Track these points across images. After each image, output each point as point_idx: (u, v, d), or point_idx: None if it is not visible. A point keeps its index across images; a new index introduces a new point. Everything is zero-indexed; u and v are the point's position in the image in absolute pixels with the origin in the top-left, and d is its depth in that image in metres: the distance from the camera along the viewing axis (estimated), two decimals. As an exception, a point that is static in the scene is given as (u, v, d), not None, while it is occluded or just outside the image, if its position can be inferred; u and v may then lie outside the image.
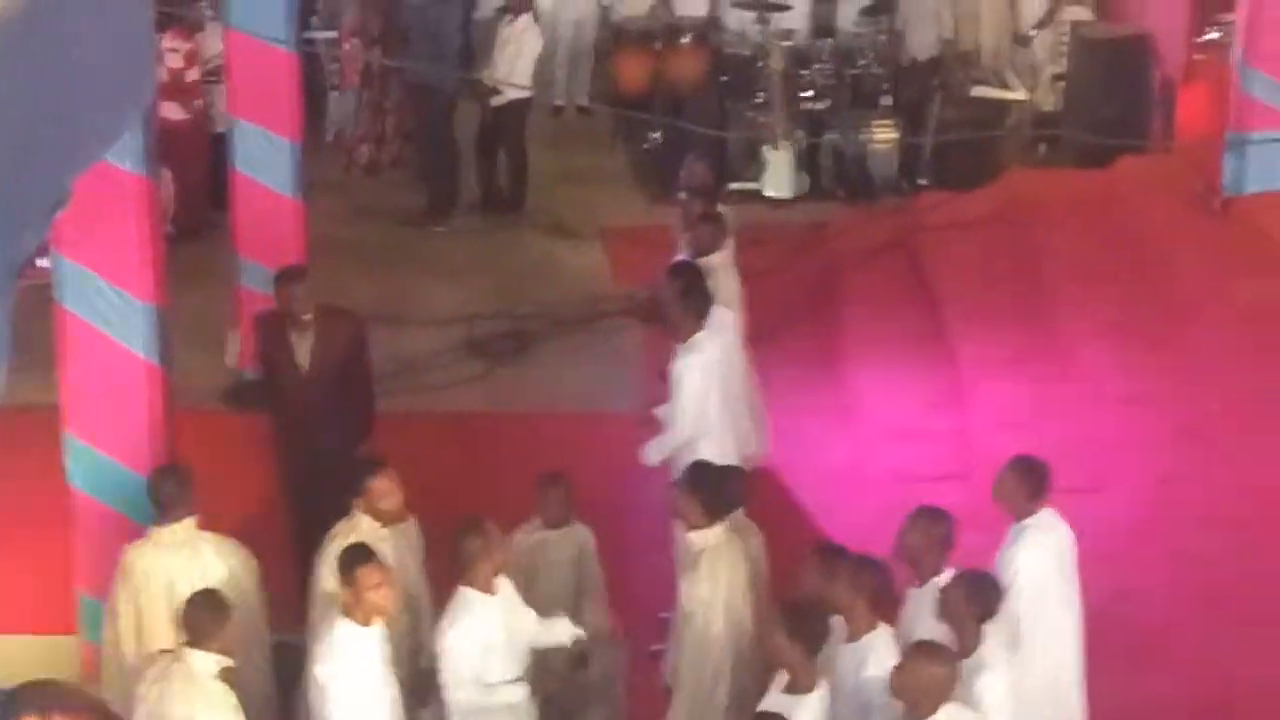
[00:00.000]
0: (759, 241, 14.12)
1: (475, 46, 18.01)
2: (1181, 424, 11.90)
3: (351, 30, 17.31)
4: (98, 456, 9.38)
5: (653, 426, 10.50)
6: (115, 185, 8.90)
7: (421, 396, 12.99)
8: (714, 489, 8.88)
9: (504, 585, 8.53)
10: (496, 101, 16.45)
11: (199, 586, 8.42)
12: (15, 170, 6.69)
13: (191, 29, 15.76)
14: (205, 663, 7.98)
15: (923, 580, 8.40)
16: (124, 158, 8.86)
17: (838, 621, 8.06)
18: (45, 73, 7.11)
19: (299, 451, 10.40)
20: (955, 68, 17.87)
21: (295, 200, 12.69)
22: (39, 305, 9.12)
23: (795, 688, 7.76)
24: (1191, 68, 17.31)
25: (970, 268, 14.62)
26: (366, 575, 8.14)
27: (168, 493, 8.87)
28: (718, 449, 9.96)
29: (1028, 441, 11.06)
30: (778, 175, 16.88)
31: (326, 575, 8.72)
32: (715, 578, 8.65)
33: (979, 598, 8.00)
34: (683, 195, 12.68)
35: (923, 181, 17.08)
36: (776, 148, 16.80)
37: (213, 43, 15.19)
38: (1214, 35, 17.40)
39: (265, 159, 12.54)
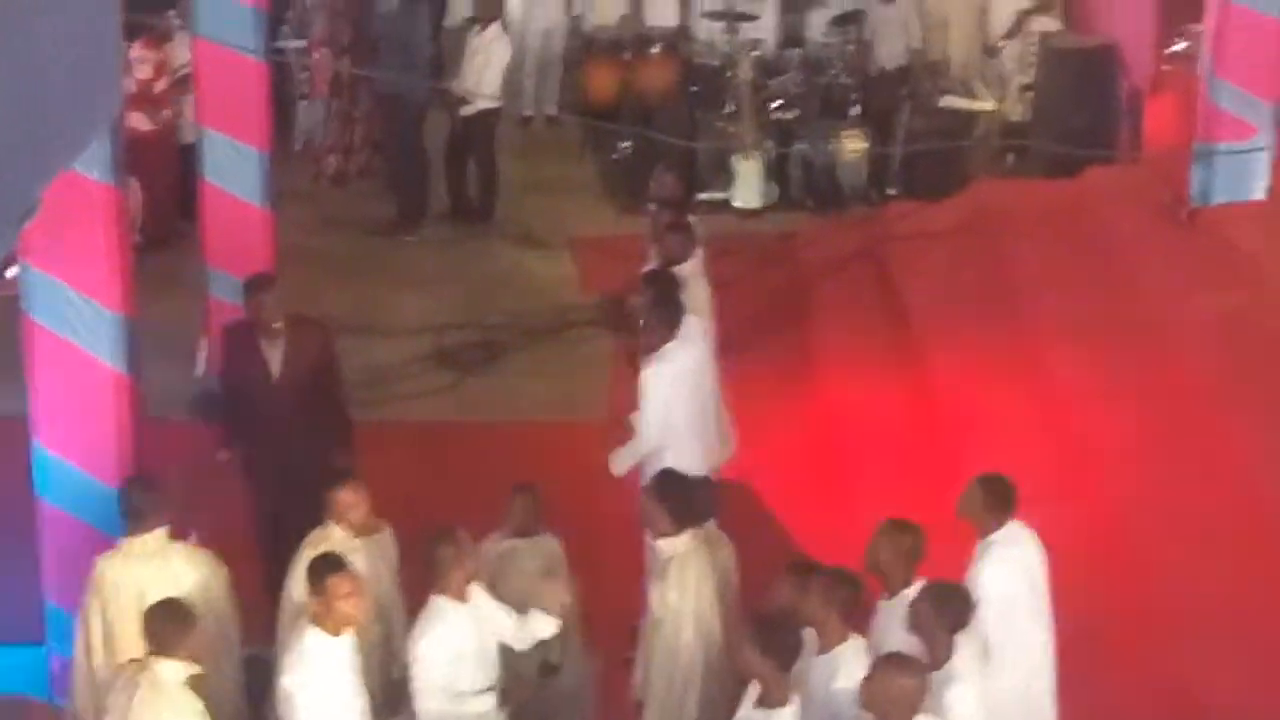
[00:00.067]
0: (728, 251, 14.15)
1: (444, 56, 18.02)
2: (1149, 434, 11.92)
3: (320, 40, 17.30)
4: (66, 467, 9.35)
5: (621, 434, 10.49)
6: (83, 195, 8.88)
7: (391, 406, 12.98)
8: (681, 497, 8.88)
9: (477, 593, 8.52)
10: (466, 111, 16.45)
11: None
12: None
13: (160, 38, 15.73)
14: (172, 671, 7.95)
15: (892, 592, 8.39)
16: (92, 167, 8.84)
17: (809, 634, 8.06)
18: (12, 82, 7.09)
19: (269, 461, 10.38)
20: (924, 78, 17.92)
21: (264, 210, 12.67)
22: (8, 315, 9.10)
23: (767, 702, 7.75)
24: (1159, 78, 17.37)
25: (939, 277, 14.66)
26: (337, 584, 8.13)
27: (138, 503, 8.85)
28: (685, 459, 9.95)
29: (996, 450, 11.13)
30: (747, 185, 16.91)
31: (297, 585, 8.71)
32: (684, 585, 8.66)
33: (948, 610, 7.99)
34: (652, 206, 12.69)
35: (891, 191, 17.13)
36: (746, 158, 16.83)
37: (181, 52, 15.17)
38: (1181, 46, 17.47)
39: (234, 168, 12.52)
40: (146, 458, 9.54)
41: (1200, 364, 12.51)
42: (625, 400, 10.84)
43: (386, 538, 9.17)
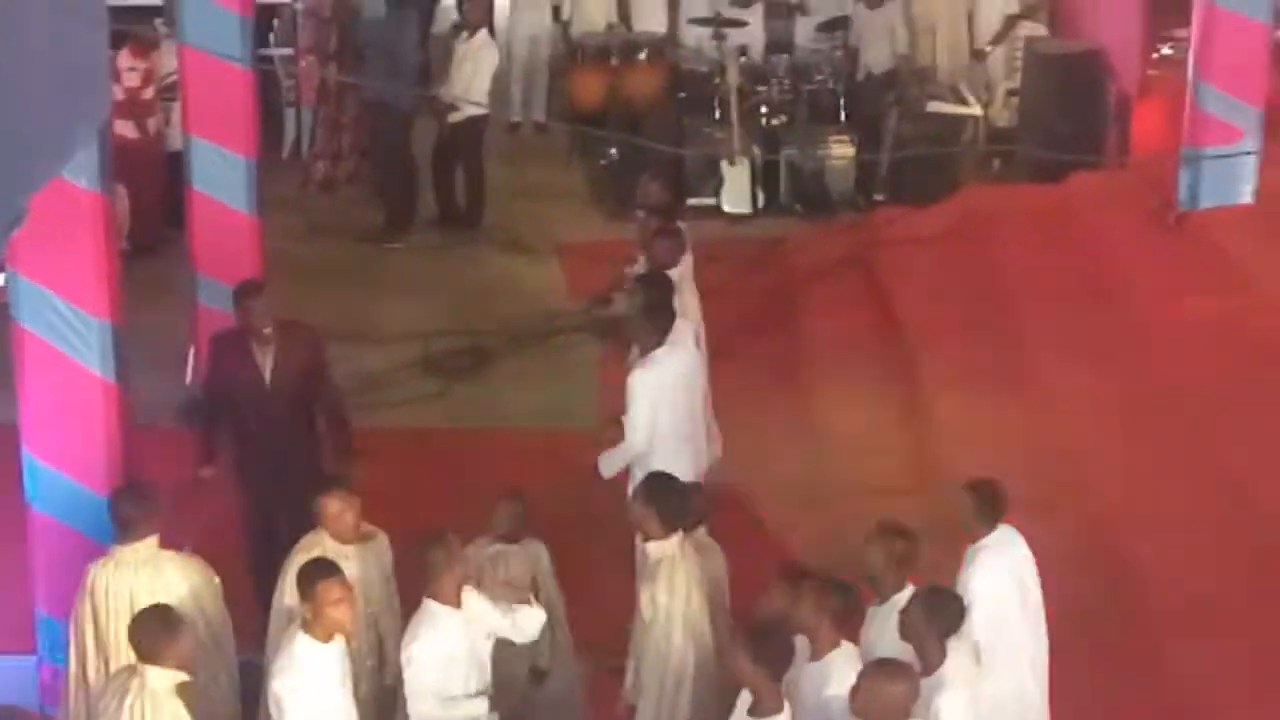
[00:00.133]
0: (717, 257, 14.15)
1: (432, 63, 18.02)
2: (1138, 437, 11.93)
3: (307, 47, 17.31)
4: (55, 475, 9.33)
5: (613, 435, 10.49)
6: (71, 203, 8.87)
7: (379, 413, 12.97)
8: (671, 500, 8.88)
9: (469, 597, 8.51)
10: (453, 118, 16.44)
11: (160, 605, 8.40)
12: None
13: (147, 46, 15.73)
14: (161, 679, 7.93)
15: (883, 598, 8.38)
16: (79, 175, 8.83)
17: (801, 641, 8.05)
18: (-1, 90, 7.10)
19: (261, 466, 10.39)
20: (911, 83, 17.93)
21: (252, 217, 12.65)
22: (-1, 324, 9.11)
23: (760, 710, 7.74)
24: (1146, 83, 17.41)
25: (927, 282, 14.67)
26: (327, 590, 8.12)
27: (129, 511, 8.83)
28: (673, 463, 9.94)
29: (986, 455, 11.14)
30: (735, 191, 16.93)
31: (288, 591, 8.69)
32: (673, 587, 8.65)
33: (939, 615, 7.97)
34: (641, 213, 12.69)
35: (879, 197, 17.13)
36: (734, 164, 16.84)
37: (168, 60, 15.16)
38: (1168, 51, 17.50)
39: (221, 176, 12.50)
40: (136, 465, 9.53)
41: (1188, 367, 12.52)
42: (614, 406, 10.84)
43: (379, 544, 9.16)
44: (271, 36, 17.75)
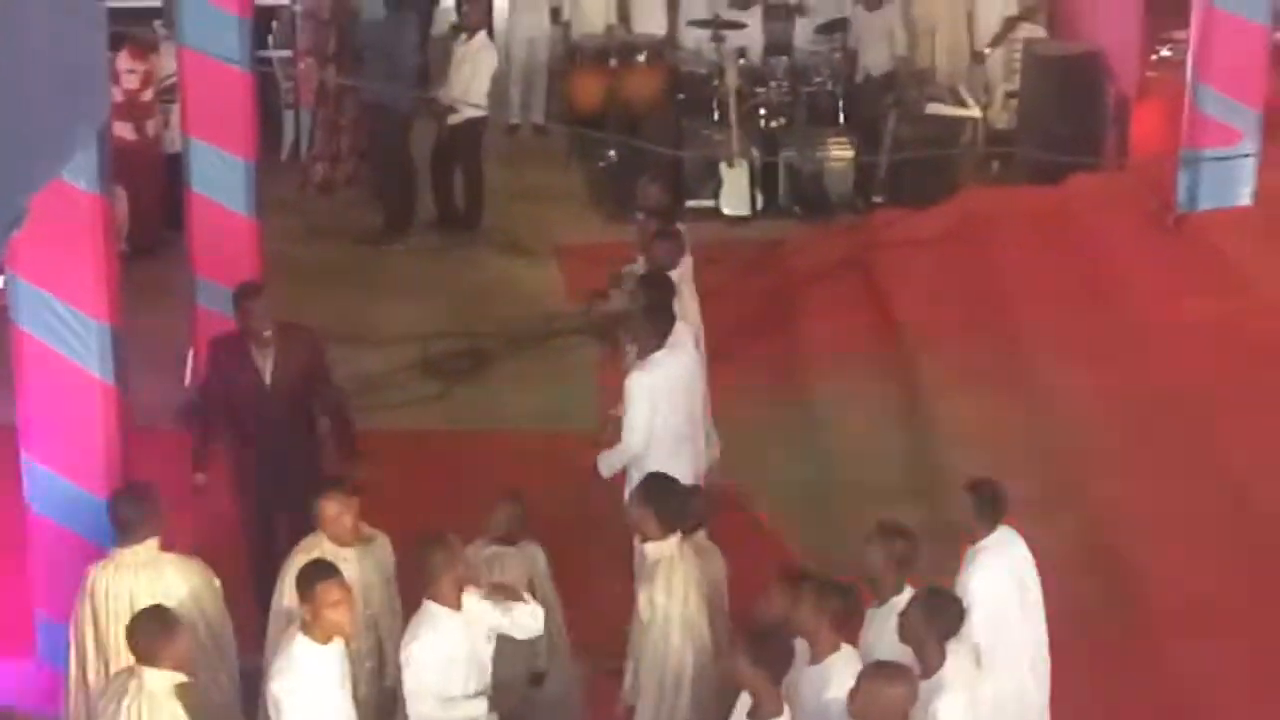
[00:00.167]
0: (715, 259, 14.13)
1: (431, 65, 18.02)
2: (1137, 438, 11.94)
3: (306, 49, 17.30)
4: (54, 478, 9.34)
5: (613, 434, 10.49)
6: (70, 204, 8.88)
7: (378, 415, 12.96)
8: (669, 500, 8.87)
9: (470, 599, 8.50)
10: (452, 120, 16.43)
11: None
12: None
13: (146, 48, 15.73)
14: (159, 680, 7.93)
15: (882, 600, 8.37)
16: (78, 177, 8.84)
17: (801, 644, 8.05)
18: (-1, 92, 7.10)
19: (262, 468, 10.39)
20: (910, 85, 17.93)
21: (250, 219, 12.66)
22: (-1, 326, 9.11)
23: (759, 713, 7.73)
24: (1145, 85, 17.42)
25: (926, 284, 14.68)
26: (325, 592, 8.11)
27: (130, 514, 8.82)
28: (671, 465, 9.93)
29: (985, 456, 11.14)
30: (734, 193, 16.93)
31: (287, 592, 8.69)
32: (670, 588, 8.65)
33: (939, 618, 7.95)
34: (640, 215, 12.69)
35: (878, 199, 17.12)
36: (732, 166, 16.84)
37: (167, 62, 15.16)
38: (1167, 53, 17.51)
39: (220, 178, 12.50)
40: (135, 468, 9.52)
41: (1187, 369, 12.53)
42: (612, 407, 10.84)
43: (380, 547, 9.14)
44: (270, 38, 17.74)
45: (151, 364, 12.12)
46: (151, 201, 15.46)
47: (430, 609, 8.40)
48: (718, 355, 12.13)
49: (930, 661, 7.87)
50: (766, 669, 7.68)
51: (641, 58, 18.23)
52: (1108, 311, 13.50)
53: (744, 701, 7.82)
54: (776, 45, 18.81)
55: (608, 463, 10.48)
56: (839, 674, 7.90)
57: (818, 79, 17.71)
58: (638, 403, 10.31)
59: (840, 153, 17.13)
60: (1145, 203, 15.01)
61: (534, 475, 11.10)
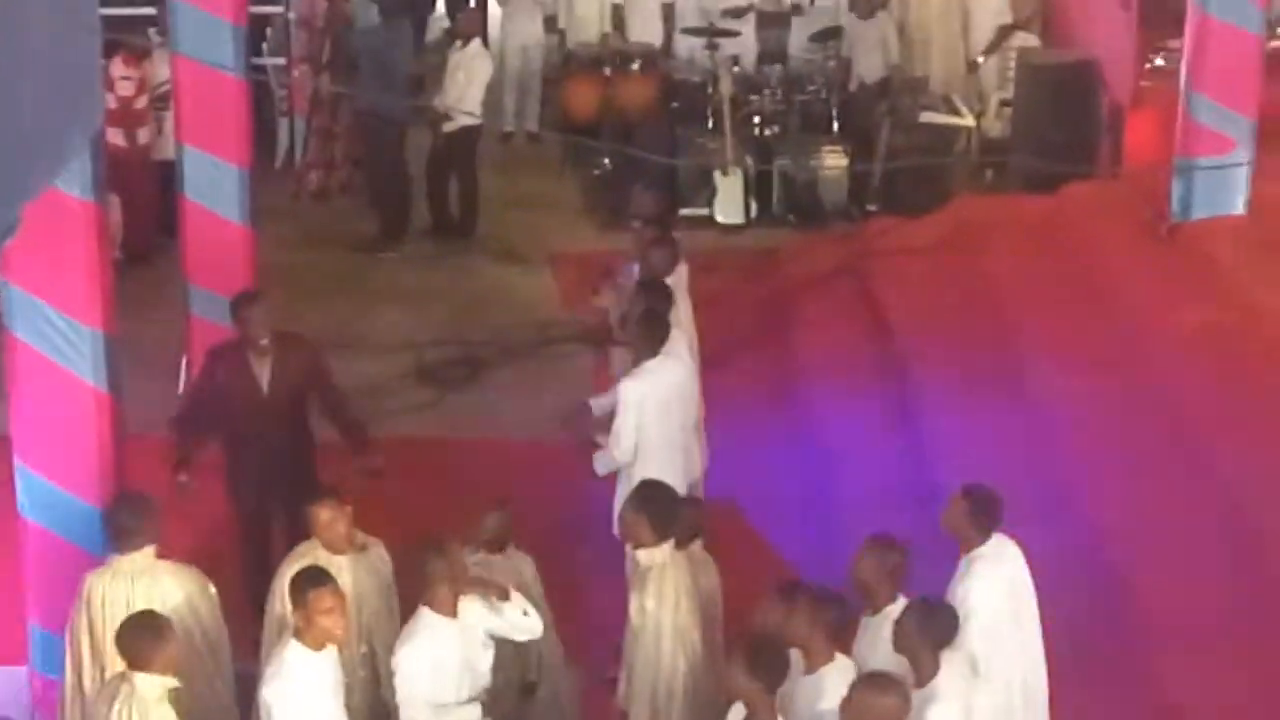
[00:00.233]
0: (710, 267, 14.15)
1: (425, 73, 18.02)
2: (1131, 448, 11.93)
3: (300, 57, 17.31)
4: (47, 486, 9.32)
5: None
6: (63, 212, 8.85)
7: (373, 423, 12.93)
8: (662, 507, 8.87)
9: (466, 606, 8.48)
10: (447, 128, 16.45)
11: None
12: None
13: (140, 56, 15.73)
14: (149, 685, 7.94)
15: (875, 610, 8.36)
16: (72, 185, 8.81)
17: (795, 654, 8.04)
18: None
19: (256, 477, 10.39)
20: (904, 93, 17.95)
21: (245, 227, 12.65)
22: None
23: (754, 724, 7.74)
24: (1139, 94, 17.40)
25: (920, 293, 14.67)
26: (318, 599, 8.11)
27: (126, 521, 8.83)
28: (663, 474, 9.92)
29: (979, 465, 11.12)
30: (728, 201, 16.94)
31: (280, 599, 8.70)
32: (662, 594, 8.65)
33: (933, 627, 7.94)
34: (635, 223, 12.69)
35: (872, 207, 17.14)
36: (727, 174, 16.86)
37: (161, 69, 15.16)
38: (1160, 61, 17.51)
39: (214, 186, 12.50)
40: (128, 475, 9.51)
41: (1181, 378, 12.52)
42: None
43: (375, 554, 9.13)
44: (264, 46, 17.76)
45: (145, 371, 12.10)
46: (145, 209, 15.46)
47: (425, 615, 8.41)
48: (712, 363, 12.13)
49: (924, 671, 7.87)
50: (762, 680, 7.68)
51: (636, 66, 18.25)
52: (1101, 320, 13.50)
53: (738, 712, 7.82)
54: (771, 53, 18.85)
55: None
56: (834, 684, 7.89)
57: (812, 87, 17.73)
58: (628, 411, 10.31)
59: (834, 161, 17.16)
60: (1139, 211, 15.01)
61: (528, 483, 11.11)
